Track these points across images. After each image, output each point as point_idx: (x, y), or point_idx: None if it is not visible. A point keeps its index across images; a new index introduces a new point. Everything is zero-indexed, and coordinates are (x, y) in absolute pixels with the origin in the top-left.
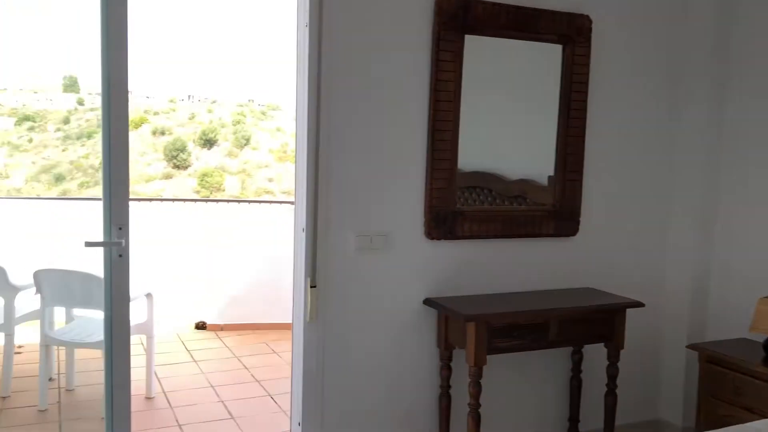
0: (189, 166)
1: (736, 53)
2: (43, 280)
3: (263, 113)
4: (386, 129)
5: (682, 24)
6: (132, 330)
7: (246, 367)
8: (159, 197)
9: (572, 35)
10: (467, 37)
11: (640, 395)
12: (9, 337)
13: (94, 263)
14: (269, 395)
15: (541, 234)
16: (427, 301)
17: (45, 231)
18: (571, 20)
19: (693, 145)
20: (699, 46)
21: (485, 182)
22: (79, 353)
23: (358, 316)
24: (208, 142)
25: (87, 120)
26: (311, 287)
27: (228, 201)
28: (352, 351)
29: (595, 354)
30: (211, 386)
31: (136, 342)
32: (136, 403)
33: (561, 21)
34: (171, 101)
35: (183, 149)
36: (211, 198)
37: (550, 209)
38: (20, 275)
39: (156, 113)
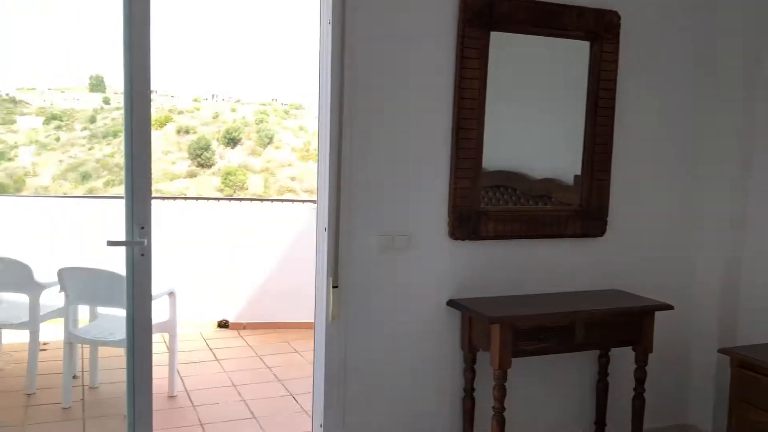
0: (213, 164)
1: None
2: (67, 278)
3: (286, 112)
4: (410, 127)
5: (712, 20)
6: (155, 328)
7: (268, 366)
8: (183, 196)
9: (600, 32)
10: (493, 33)
11: (669, 399)
12: (34, 334)
13: (118, 262)
14: (291, 395)
15: (567, 234)
16: (451, 303)
17: (70, 229)
18: (599, 16)
19: (724, 145)
20: (730, 43)
21: (509, 181)
22: (103, 351)
23: (380, 317)
24: (232, 141)
25: (113, 119)
26: (333, 287)
27: (251, 200)
28: (375, 352)
29: (623, 357)
30: (233, 385)
31: (159, 340)
32: (158, 402)
33: (589, 17)
34: (195, 100)
35: (207, 148)
36: (234, 197)
37: (576, 209)
38: (45, 273)
39: (180, 112)
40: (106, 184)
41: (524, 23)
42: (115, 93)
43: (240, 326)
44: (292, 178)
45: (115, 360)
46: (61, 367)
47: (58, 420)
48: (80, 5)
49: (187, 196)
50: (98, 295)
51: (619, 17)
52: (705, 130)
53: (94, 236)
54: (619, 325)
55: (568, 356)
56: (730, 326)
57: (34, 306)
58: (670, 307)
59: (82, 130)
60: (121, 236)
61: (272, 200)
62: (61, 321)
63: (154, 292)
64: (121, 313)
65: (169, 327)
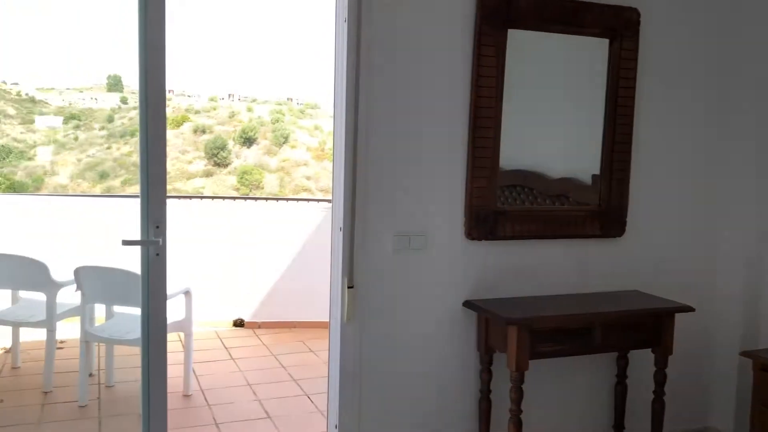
0: (229, 164)
1: None
2: (83, 276)
3: (302, 111)
4: (426, 126)
5: (736, 17)
6: (170, 327)
7: (283, 366)
8: (199, 194)
9: (619, 29)
10: (510, 31)
11: (689, 403)
12: (51, 333)
13: (134, 261)
14: (306, 394)
15: (585, 235)
16: (467, 303)
17: (87, 228)
18: (619, 13)
19: (747, 144)
20: (754, 40)
21: (526, 181)
22: (119, 349)
23: (395, 317)
24: (248, 141)
25: (130, 118)
26: (348, 287)
27: (266, 199)
28: (390, 353)
29: (642, 359)
30: (248, 384)
31: (175, 339)
32: (173, 401)
33: (608, 14)
34: (212, 100)
35: (223, 147)
36: (250, 196)
37: (594, 209)
38: (62, 271)
39: (197, 112)
40: (124, 182)
41: (542, 20)
42: (132, 93)
43: (255, 325)
44: (308, 178)
45: (131, 358)
46: (77, 366)
47: (74, 418)
48: (98, 6)
49: (203, 195)
50: (114, 294)
51: (638, 14)
52: (727, 128)
53: (110, 235)
54: (639, 327)
55: (586, 358)
56: (752, 328)
57: (50, 304)
58: (691, 309)
59: (100, 130)
60: (137, 235)
61: (287, 199)
62: (78, 319)
63: (169, 290)
64: (137, 311)
65: (185, 326)
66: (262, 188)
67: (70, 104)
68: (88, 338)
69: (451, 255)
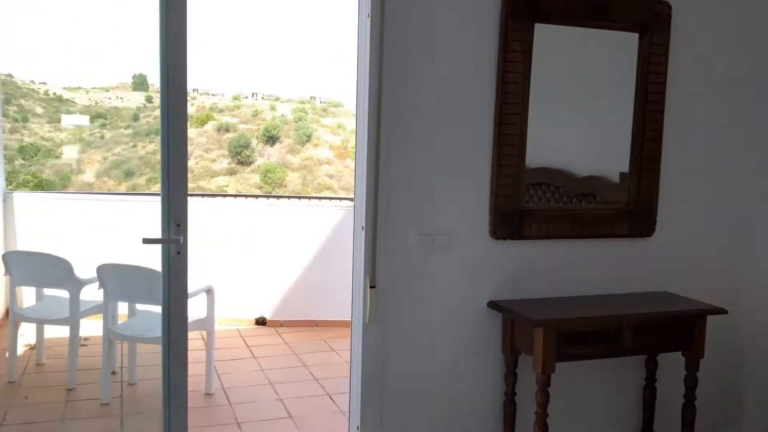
0: (253, 162)
1: None
2: (105, 274)
3: (324, 110)
4: (450, 123)
5: None
6: (192, 325)
7: (305, 365)
8: (223, 193)
9: (650, 23)
10: (537, 26)
11: (722, 408)
12: (74, 330)
13: (156, 259)
14: (327, 394)
15: (614, 234)
16: (492, 304)
17: (111, 225)
18: (649, 6)
19: None
20: None
21: (551, 179)
22: (142, 347)
23: (419, 318)
24: (271, 139)
25: (155, 117)
26: (371, 287)
27: (288, 197)
28: (413, 354)
29: (672, 362)
30: (270, 383)
31: (197, 337)
32: (195, 399)
33: (638, 7)
34: (235, 98)
35: (247, 146)
36: (272, 194)
37: (622, 208)
38: (86, 269)
39: (221, 110)
40: (149, 180)
41: (570, 15)
42: (157, 92)
43: (277, 323)
44: (330, 176)
45: (153, 356)
46: (101, 363)
47: (97, 416)
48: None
49: (227, 193)
50: (136, 292)
51: (670, 7)
52: (763, 125)
53: (134, 233)
54: (669, 330)
55: (613, 360)
56: None
57: (74, 302)
58: (723, 311)
59: (125, 129)
60: (159, 233)
61: (310, 198)
62: (101, 317)
63: (191, 289)
64: (160, 310)
65: (207, 324)
66: (285, 186)
67: (96, 103)
68: (110, 336)
69: (475, 255)
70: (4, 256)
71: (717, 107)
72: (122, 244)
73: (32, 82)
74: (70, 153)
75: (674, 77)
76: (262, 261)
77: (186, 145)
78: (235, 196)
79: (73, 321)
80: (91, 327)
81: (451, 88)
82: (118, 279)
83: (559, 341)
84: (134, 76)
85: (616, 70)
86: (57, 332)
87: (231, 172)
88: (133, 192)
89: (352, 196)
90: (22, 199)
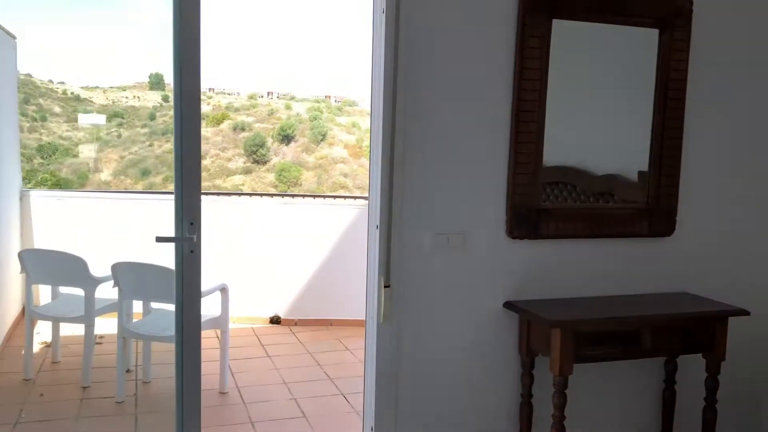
0: (268, 161)
1: None
2: (120, 273)
3: (339, 109)
4: (466, 121)
5: None
6: (206, 324)
7: (319, 364)
8: (238, 191)
9: (670, 18)
10: (555, 21)
11: (743, 411)
12: (89, 328)
13: (171, 257)
14: (341, 394)
15: (633, 234)
16: (508, 305)
17: (126, 224)
18: (670, 2)
19: None
20: None
21: (568, 178)
22: (156, 345)
23: (433, 318)
24: (286, 138)
25: (171, 116)
26: (385, 287)
27: (303, 196)
28: (428, 354)
29: (691, 364)
30: (284, 383)
31: (211, 336)
32: (209, 398)
33: (658, 2)
34: (251, 98)
35: (262, 145)
36: (287, 193)
37: (641, 207)
38: (101, 267)
39: (237, 109)
40: (165, 179)
41: (588, 10)
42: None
43: (292, 322)
44: (345, 175)
45: (168, 355)
46: (115, 361)
47: (112, 414)
48: (141, 5)
49: (242, 192)
50: (151, 291)
51: (691, 2)
52: None
53: (149, 231)
54: (690, 331)
55: (632, 362)
56: None
57: (89, 300)
58: (746, 313)
59: (142, 128)
60: (173, 232)
61: (325, 196)
62: (116, 315)
63: (205, 287)
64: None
65: (221, 323)
66: (300, 185)
67: (114, 102)
68: (125, 334)
69: (491, 254)
70: (20, 254)
71: (738, 104)
72: (137, 243)
73: (50, 81)
74: (87, 152)
75: (695, 73)
76: (276, 259)
77: (199, 144)
78: (251, 194)
79: (88, 319)
80: (106, 325)
81: (467, 86)
82: (133, 277)
83: (577, 342)
84: (151, 76)
85: (636, 67)
86: (72, 330)
87: (246, 171)
88: (148, 191)
89: (366, 194)
90: (39, 197)
